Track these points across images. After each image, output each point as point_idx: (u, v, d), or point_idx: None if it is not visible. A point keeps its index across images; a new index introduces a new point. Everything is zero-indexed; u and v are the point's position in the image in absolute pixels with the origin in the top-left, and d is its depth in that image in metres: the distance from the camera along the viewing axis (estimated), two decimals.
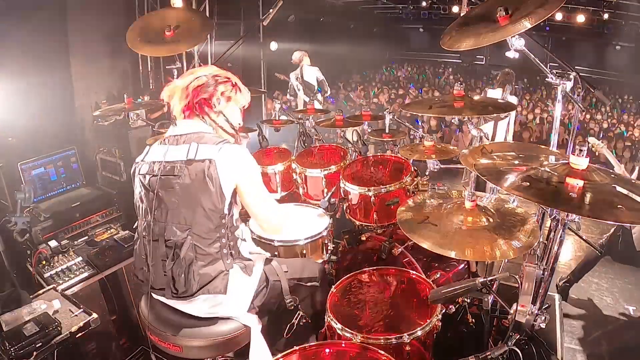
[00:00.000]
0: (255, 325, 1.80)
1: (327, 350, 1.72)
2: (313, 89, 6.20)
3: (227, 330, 1.75)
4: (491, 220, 1.87)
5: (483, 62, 14.39)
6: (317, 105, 6.14)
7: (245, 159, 1.72)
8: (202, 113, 1.76)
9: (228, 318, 1.77)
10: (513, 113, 4.96)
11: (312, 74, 6.15)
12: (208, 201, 1.64)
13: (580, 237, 2.47)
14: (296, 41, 8.21)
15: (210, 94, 1.75)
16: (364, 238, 2.74)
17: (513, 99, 5.00)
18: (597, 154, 3.79)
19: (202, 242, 1.66)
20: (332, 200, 2.55)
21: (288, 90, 6.59)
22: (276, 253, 2.30)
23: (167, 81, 1.81)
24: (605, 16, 9.82)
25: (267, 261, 1.96)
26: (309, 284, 2.02)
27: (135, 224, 1.82)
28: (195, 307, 1.73)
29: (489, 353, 1.78)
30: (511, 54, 2.09)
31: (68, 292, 2.28)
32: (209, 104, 1.76)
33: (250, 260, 1.84)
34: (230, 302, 1.74)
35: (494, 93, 4.83)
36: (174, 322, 1.76)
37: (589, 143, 4.08)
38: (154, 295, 1.79)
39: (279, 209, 1.92)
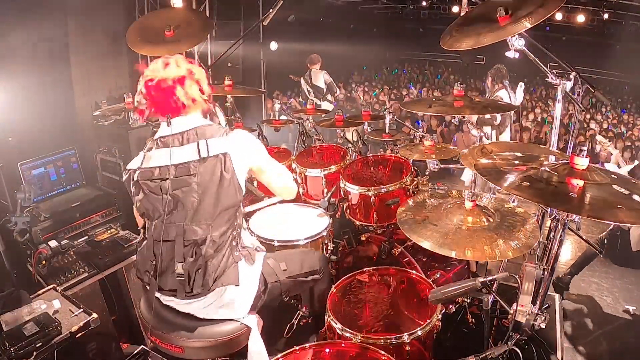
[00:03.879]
0: (255, 325, 1.79)
1: (327, 350, 1.72)
2: (322, 91, 6.54)
3: (228, 330, 1.75)
4: (491, 220, 1.87)
5: (483, 62, 14.37)
6: (328, 106, 6.48)
7: (253, 140, 1.78)
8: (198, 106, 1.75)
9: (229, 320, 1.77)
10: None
11: (320, 78, 6.47)
12: (228, 195, 1.66)
13: (581, 237, 2.47)
14: (296, 41, 8.21)
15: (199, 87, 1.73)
16: (364, 238, 2.74)
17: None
18: (601, 150, 3.79)
19: (217, 236, 1.67)
20: (332, 200, 2.56)
21: (300, 94, 6.94)
22: None
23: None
24: (605, 16, 9.80)
25: (265, 259, 1.91)
26: (309, 277, 1.99)
27: (140, 227, 1.81)
28: (202, 306, 1.72)
29: (489, 353, 1.78)
30: (511, 54, 2.09)
31: (68, 292, 2.27)
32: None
33: (251, 247, 1.86)
34: (239, 295, 1.73)
35: (503, 93, 4.72)
36: (174, 323, 1.75)
37: (597, 140, 4.11)
38: (161, 298, 1.78)
39: (290, 173, 2.01)
